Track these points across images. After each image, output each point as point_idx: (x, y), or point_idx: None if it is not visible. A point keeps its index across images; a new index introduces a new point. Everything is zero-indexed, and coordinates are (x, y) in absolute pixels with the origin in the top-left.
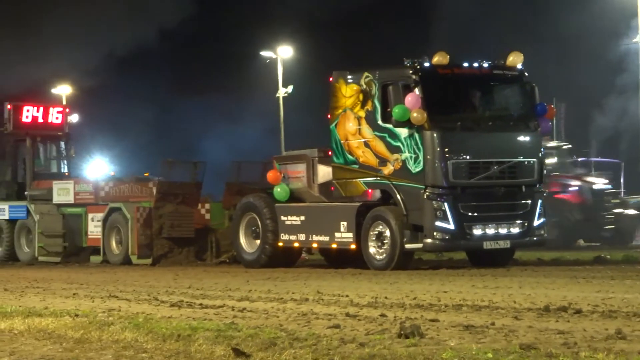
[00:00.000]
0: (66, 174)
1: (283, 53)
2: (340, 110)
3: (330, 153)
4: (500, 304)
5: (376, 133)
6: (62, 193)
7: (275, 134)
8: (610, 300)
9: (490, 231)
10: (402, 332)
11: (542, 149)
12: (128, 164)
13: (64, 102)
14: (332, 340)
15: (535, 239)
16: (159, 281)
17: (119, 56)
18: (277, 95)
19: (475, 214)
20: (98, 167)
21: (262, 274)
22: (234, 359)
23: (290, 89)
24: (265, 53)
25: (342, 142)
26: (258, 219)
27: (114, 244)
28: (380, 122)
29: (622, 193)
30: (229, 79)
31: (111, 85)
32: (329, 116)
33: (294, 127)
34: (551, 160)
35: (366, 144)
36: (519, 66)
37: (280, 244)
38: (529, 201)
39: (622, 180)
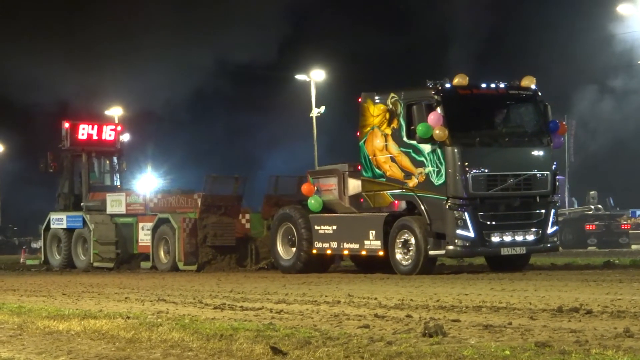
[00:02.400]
0: (118, 186)
1: (316, 76)
2: (369, 128)
3: (359, 167)
4: (517, 305)
5: (401, 149)
6: (115, 204)
7: (326, 149)
8: (618, 301)
9: (508, 238)
10: (426, 332)
11: (555, 163)
12: (178, 178)
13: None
14: (362, 339)
15: (549, 245)
16: (204, 286)
17: (175, 84)
18: (311, 115)
19: (494, 223)
20: (148, 181)
21: (297, 279)
22: (272, 356)
23: (322, 109)
24: (299, 76)
25: (370, 157)
26: (294, 229)
27: (162, 253)
28: (405, 138)
29: (566, 206)
30: (271, 99)
31: (163, 107)
32: (358, 134)
33: (330, 143)
34: None
35: (392, 159)
36: (533, 86)
37: (314, 251)
38: (543, 210)
39: (566, 195)
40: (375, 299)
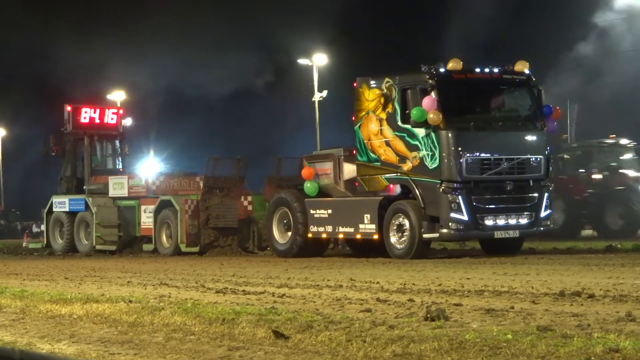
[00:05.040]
0: (120, 169)
1: (318, 60)
2: (364, 113)
3: (354, 152)
4: (519, 290)
5: (396, 133)
6: (117, 187)
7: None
8: (620, 285)
9: (501, 222)
10: (428, 316)
11: (548, 147)
12: (181, 161)
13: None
14: (364, 323)
15: (542, 228)
16: (206, 270)
17: (179, 68)
18: (313, 99)
19: (487, 206)
20: (151, 165)
21: (299, 263)
22: (275, 340)
23: (324, 93)
24: (301, 60)
25: (365, 141)
26: (289, 213)
27: (164, 238)
28: (399, 123)
29: None
30: (279, 83)
31: (165, 91)
32: (353, 118)
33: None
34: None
35: (387, 143)
36: (526, 71)
37: (310, 235)
38: (537, 194)
39: None
40: (377, 283)
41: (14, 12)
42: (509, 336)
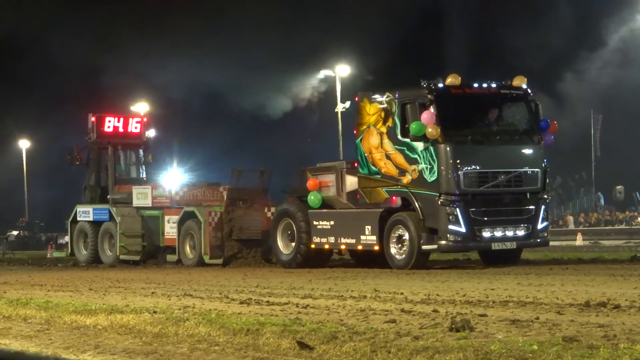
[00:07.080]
0: (144, 179)
1: (341, 71)
2: (365, 127)
3: (356, 165)
4: (544, 300)
5: (396, 147)
6: (141, 197)
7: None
8: None
9: (498, 233)
10: (453, 326)
11: (545, 160)
12: (206, 173)
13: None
14: (388, 333)
15: (539, 240)
16: (230, 281)
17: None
18: (336, 110)
19: (485, 218)
20: (174, 176)
21: (323, 274)
22: (299, 351)
23: (347, 104)
24: (325, 71)
25: (366, 155)
26: (293, 224)
27: (188, 248)
28: (399, 136)
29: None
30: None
31: (193, 104)
32: (355, 132)
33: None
34: None
35: (387, 157)
36: (524, 86)
37: (313, 245)
38: (533, 207)
39: None
40: (402, 293)
41: (42, 22)
42: (535, 347)
